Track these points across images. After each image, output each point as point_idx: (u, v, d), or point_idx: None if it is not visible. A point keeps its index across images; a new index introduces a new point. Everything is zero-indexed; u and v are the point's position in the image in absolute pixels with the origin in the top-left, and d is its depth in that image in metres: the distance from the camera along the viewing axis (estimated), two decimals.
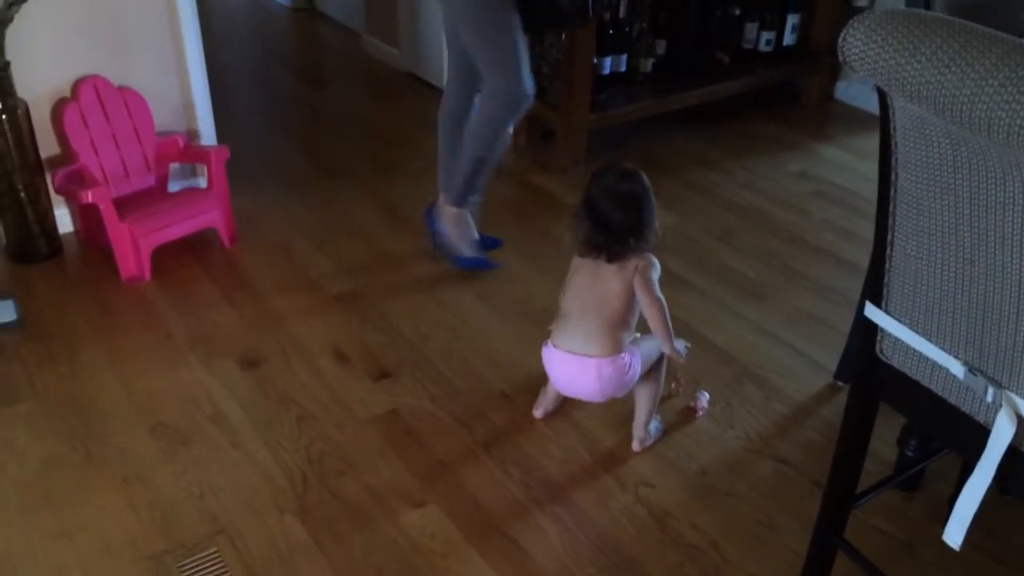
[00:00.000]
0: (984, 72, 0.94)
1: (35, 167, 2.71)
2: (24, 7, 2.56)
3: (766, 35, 3.91)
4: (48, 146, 2.79)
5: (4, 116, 2.57)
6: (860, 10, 3.52)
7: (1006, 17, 1.77)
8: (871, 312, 1.32)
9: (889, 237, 1.25)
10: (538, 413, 2.21)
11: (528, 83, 2.49)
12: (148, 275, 2.73)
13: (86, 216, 2.84)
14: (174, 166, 3.02)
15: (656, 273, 1.96)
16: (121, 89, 2.82)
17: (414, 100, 4.14)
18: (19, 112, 2.61)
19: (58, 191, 2.76)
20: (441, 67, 3.75)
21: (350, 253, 2.91)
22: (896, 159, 1.18)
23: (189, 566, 1.80)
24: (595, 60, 3.39)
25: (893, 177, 1.20)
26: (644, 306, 1.97)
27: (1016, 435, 1.13)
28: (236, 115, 3.89)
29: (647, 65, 3.66)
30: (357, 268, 2.83)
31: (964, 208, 1.09)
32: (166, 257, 2.80)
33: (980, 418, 1.19)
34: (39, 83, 2.73)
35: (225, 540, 1.86)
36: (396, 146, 3.67)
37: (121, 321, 2.56)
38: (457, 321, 2.58)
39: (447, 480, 2.03)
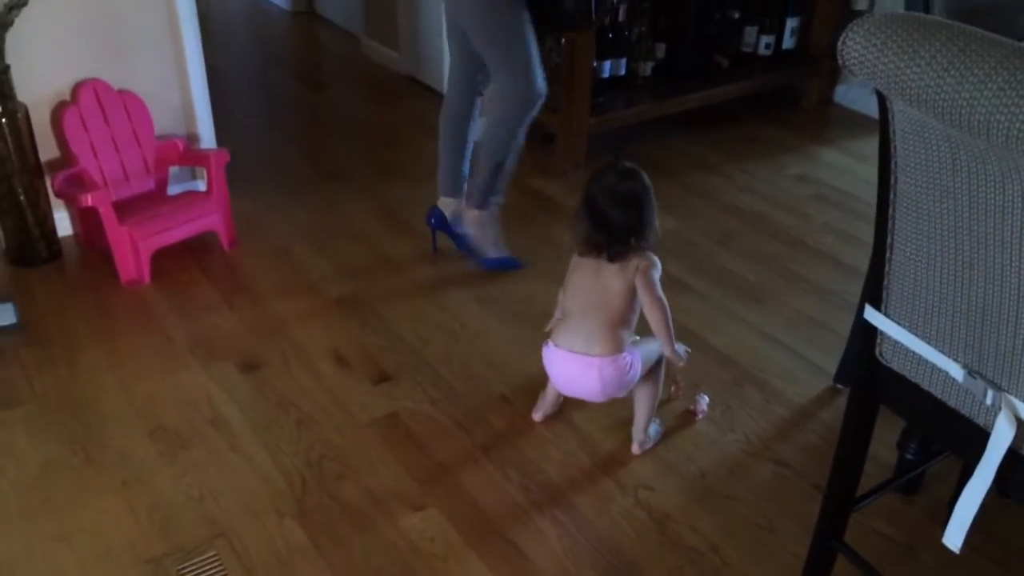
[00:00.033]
0: (983, 76, 0.94)
1: (35, 170, 2.71)
2: (24, 11, 2.56)
3: (765, 39, 3.92)
4: (48, 149, 2.79)
5: (4, 119, 2.57)
6: (859, 14, 3.52)
7: (1005, 21, 1.77)
8: (871, 315, 1.32)
9: (889, 240, 1.25)
10: (537, 416, 2.21)
11: (540, 81, 2.51)
12: (148, 278, 2.73)
13: (86, 219, 2.84)
14: (174, 169, 3.02)
15: (658, 272, 1.96)
16: (121, 92, 2.82)
17: (414, 103, 4.14)
18: (19, 115, 2.61)
19: (58, 194, 2.76)
20: (441, 70, 3.75)
21: (350, 256, 2.91)
22: (895, 162, 1.18)
23: (188, 569, 1.80)
24: (595, 64, 3.39)
25: (893, 180, 1.20)
26: (646, 306, 1.97)
27: (1016, 438, 1.13)
28: (236, 118, 3.89)
29: (646, 69, 3.66)
30: (357, 271, 2.83)
31: (963, 211, 1.09)
32: (166, 260, 2.80)
33: (980, 421, 1.19)
34: (39, 86, 2.73)
35: (224, 543, 1.86)
36: (396, 149, 3.67)
37: (120, 324, 2.56)
38: (457, 324, 2.58)
39: (447, 483, 2.03)
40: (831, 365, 2.38)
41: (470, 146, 2.78)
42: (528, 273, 2.81)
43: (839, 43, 1.10)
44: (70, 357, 2.41)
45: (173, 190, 3.01)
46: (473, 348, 2.48)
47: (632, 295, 1.96)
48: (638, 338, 2.04)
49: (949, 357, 1.20)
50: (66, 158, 2.79)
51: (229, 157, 2.91)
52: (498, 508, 1.97)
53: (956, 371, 1.19)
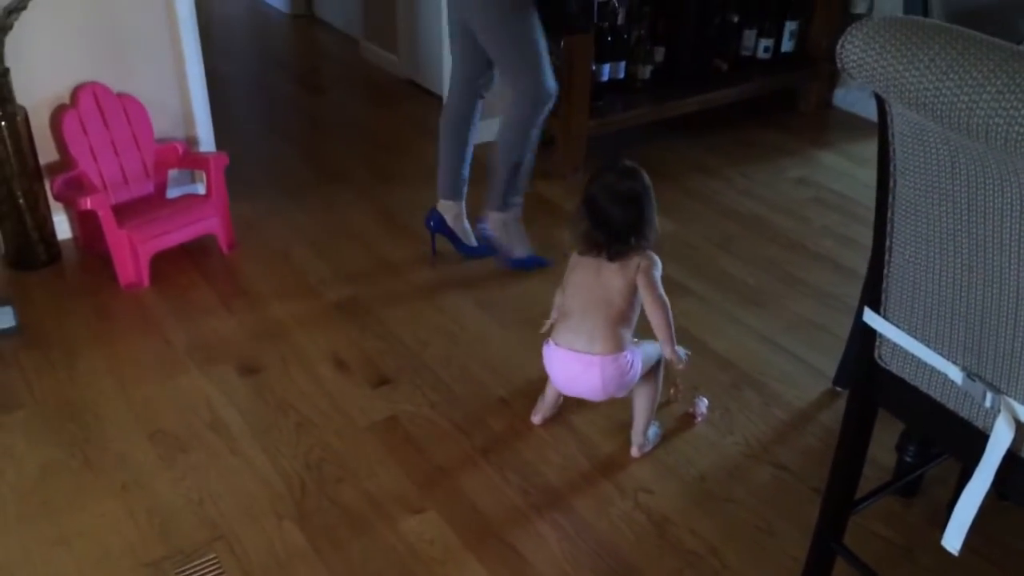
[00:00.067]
0: (982, 79, 0.94)
1: (34, 174, 2.71)
2: (24, 14, 2.56)
3: (764, 42, 3.92)
4: (47, 153, 2.79)
5: (3, 123, 2.57)
6: (858, 17, 3.54)
7: (1004, 24, 1.77)
8: (870, 318, 1.32)
9: (888, 243, 1.25)
10: (536, 419, 2.21)
11: (550, 81, 2.53)
12: (147, 282, 2.73)
13: (85, 223, 2.85)
14: (173, 172, 3.02)
15: (658, 271, 1.95)
16: (120, 96, 2.82)
17: (413, 106, 4.15)
18: (18, 119, 2.61)
19: (57, 198, 2.76)
20: (440, 73, 3.75)
21: (349, 259, 2.91)
22: (894, 165, 1.18)
23: (187, 572, 1.80)
24: (594, 67, 3.39)
25: (891, 183, 1.20)
26: (647, 306, 1.96)
27: (1015, 440, 1.13)
28: (235, 122, 3.89)
29: (646, 72, 3.67)
30: (356, 274, 2.83)
31: (962, 214, 1.10)
32: (165, 264, 2.80)
33: (979, 423, 1.19)
34: (38, 90, 2.73)
35: (224, 547, 1.86)
36: (395, 152, 3.68)
37: (120, 328, 2.56)
38: (456, 327, 2.58)
39: (446, 486, 2.03)
40: (830, 368, 2.38)
41: (470, 149, 2.79)
42: (527, 276, 2.81)
43: (838, 46, 1.11)
44: (69, 360, 2.40)
45: (172, 193, 3.01)
46: (472, 351, 2.48)
47: (633, 294, 1.96)
48: (637, 340, 2.04)
49: (948, 360, 1.21)
50: (65, 161, 2.79)
51: (228, 160, 2.91)
52: (497, 511, 1.97)
53: (955, 373, 1.20)
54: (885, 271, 1.27)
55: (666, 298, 1.96)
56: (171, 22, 2.91)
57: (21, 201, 2.69)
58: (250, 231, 3.03)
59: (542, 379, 2.18)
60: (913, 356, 1.26)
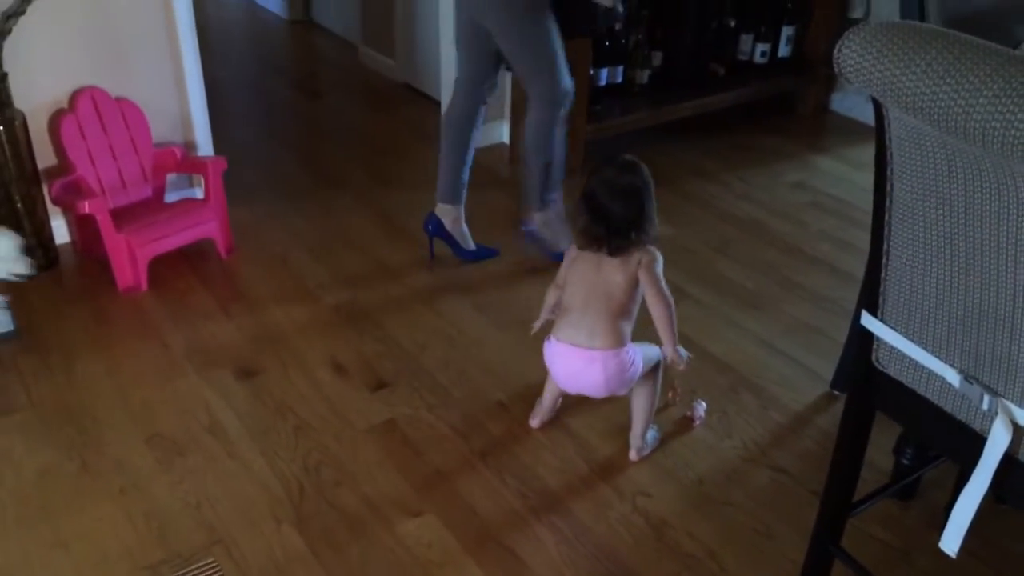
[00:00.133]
0: (979, 83, 0.95)
1: (32, 178, 2.71)
2: (22, 19, 2.57)
3: (761, 47, 3.94)
4: (45, 157, 2.79)
5: (2, 127, 2.57)
6: (855, 22, 3.54)
7: (1000, 29, 1.78)
8: (867, 321, 1.32)
9: (885, 247, 1.25)
10: (535, 422, 2.21)
11: (566, 80, 2.56)
12: (145, 286, 2.73)
13: (83, 227, 2.85)
14: (171, 177, 3.03)
15: (660, 266, 1.94)
16: (118, 100, 2.82)
17: (410, 111, 4.15)
18: (16, 123, 2.61)
19: (55, 202, 2.76)
20: (437, 78, 3.76)
21: (347, 263, 2.91)
22: (892, 170, 1.19)
23: None
24: (591, 71, 3.40)
25: (889, 187, 1.20)
26: (651, 302, 1.94)
27: (1012, 443, 1.14)
28: (233, 126, 3.89)
29: (643, 76, 3.68)
30: (354, 278, 2.83)
31: (959, 218, 1.10)
32: (163, 268, 2.80)
33: (976, 426, 1.20)
34: (37, 94, 2.73)
35: (222, 550, 1.86)
36: (393, 157, 3.68)
37: (118, 331, 2.56)
38: (454, 331, 2.58)
39: (444, 490, 2.03)
40: (828, 371, 2.39)
41: (471, 153, 2.79)
42: (525, 279, 2.81)
43: (835, 51, 1.11)
44: (67, 364, 2.40)
45: (170, 197, 3.01)
46: (470, 355, 2.48)
47: (634, 288, 1.94)
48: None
49: (945, 362, 1.21)
50: (63, 166, 2.80)
51: (226, 165, 2.91)
52: (496, 514, 1.97)
53: (952, 376, 1.20)
54: (882, 274, 1.27)
55: (670, 295, 1.95)
56: (170, 27, 2.91)
57: (19, 205, 2.69)
58: (248, 235, 3.03)
59: (540, 383, 2.18)
60: (910, 359, 1.27)
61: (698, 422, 2.24)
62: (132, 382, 2.35)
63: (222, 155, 3.01)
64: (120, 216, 2.73)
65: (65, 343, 2.48)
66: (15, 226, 2.71)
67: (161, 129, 2.97)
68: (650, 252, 1.94)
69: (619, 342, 1.95)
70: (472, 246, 2.88)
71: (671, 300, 1.95)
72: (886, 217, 1.23)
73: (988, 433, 1.16)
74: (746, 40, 3.92)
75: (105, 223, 2.63)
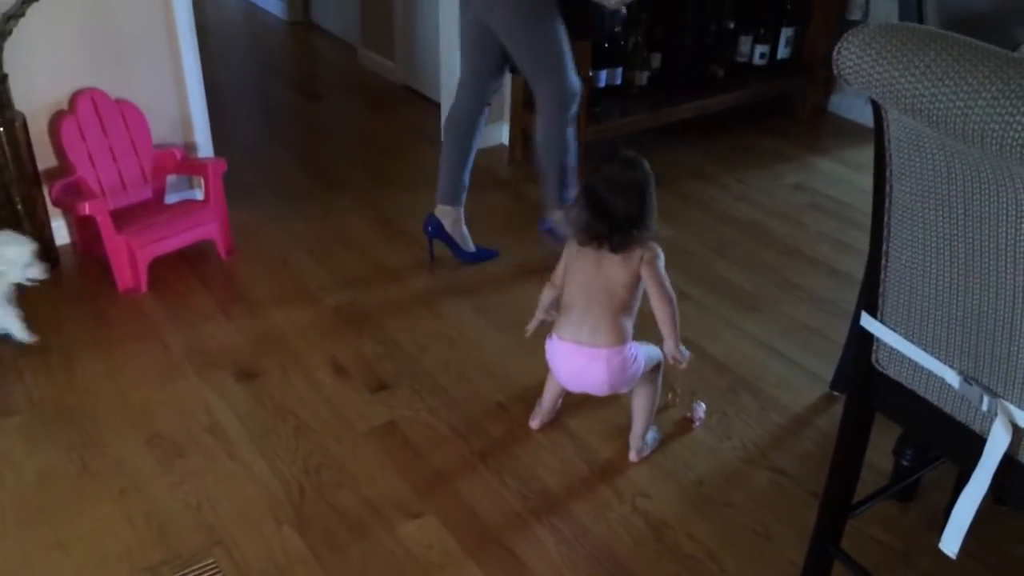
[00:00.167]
0: (977, 85, 0.95)
1: (32, 179, 2.71)
2: (22, 21, 2.57)
3: (760, 48, 3.94)
4: (45, 158, 2.79)
5: (2, 129, 2.58)
6: (854, 24, 3.55)
7: (999, 31, 1.79)
8: (867, 322, 1.33)
9: (884, 248, 1.26)
10: (534, 424, 2.21)
11: (573, 79, 2.58)
12: (145, 287, 2.73)
13: (83, 228, 2.85)
14: (171, 178, 3.03)
15: (662, 262, 1.93)
16: (119, 102, 2.83)
17: (409, 112, 4.15)
18: (17, 125, 2.62)
19: (55, 203, 2.77)
20: (436, 79, 3.76)
21: (347, 265, 2.91)
22: (891, 171, 1.19)
23: None
24: (591, 73, 3.40)
25: (888, 189, 1.21)
26: (654, 299, 1.93)
27: (1011, 444, 1.14)
28: (233, 128, 3.90)
29: (642, 78, 3.68)
30: (354, 280, 2.83)
31: (958, 219, 1.10)
32: (163, 269, 2.80)
33: (975, 427, 1.20)
34: (37, 96, 2.73)
35: (222, 551, 1.86)
36: (392, 158, 3.68)
37: (117, 333, 2.56)
38: (453, 332, 2.58)
39: (444, 491, 2.03)
40: (827, 372, 2.39)
41: (473, 155, 2.80)
42: (524, 280, 2.81)
43: (835, 53, 1.11)
44: (67, 365, 2.41)
45: (170, 199, 3.02)
46: (470, 356, 2.48)
47: (635, 285, 1.94)
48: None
49: (945, 363, 1.21)
50: (64, 167, 2.80)
51: (226, 166, 2.91)
52: (496, 516, 1.97)
53: (952, 377, 1.20)
54: (882, 276, 1.28)
55: (672, 292, 1.94)
56: (170, 28, 2.91)
57: (19, 207, 2.69)
58: (248, 237, 3.04)
59: (540, 384, 2.18)
60: (910, 360, 1.27)
61: (698, 423, 2.24)
62: (132, 383, 2.35)
63: (222, 156, 3.01)
64: (120, 217, 2.73)
65: (65, 344, 2.48)
66: (15, 228, 2.71)
67: (161, 130, 2.98)
68: (652, 248, 1.92)
69: (621, 339, 1.94)
70: (472, 247, 2.89)
71: (674, 296, 1.94)
72: (885, 218, 1.23)
73: (988, 434, 1.16)
74: (745, 42, 3.93)
75: (105, 224, 2.64)
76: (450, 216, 2.83)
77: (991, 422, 1.15)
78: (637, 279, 1.93)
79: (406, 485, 2.04)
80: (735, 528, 1.95)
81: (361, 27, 4.75)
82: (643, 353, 2.00)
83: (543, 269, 2.81)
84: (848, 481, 1.51)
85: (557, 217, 2.81)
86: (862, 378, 1.38)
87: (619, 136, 3.58)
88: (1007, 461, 1.15)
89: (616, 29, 3.44)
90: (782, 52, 3.99)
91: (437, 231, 2.84)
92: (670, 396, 2.29)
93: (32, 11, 2.57)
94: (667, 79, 3.75)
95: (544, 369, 2.13)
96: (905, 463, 1.95)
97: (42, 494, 2.00)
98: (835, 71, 1.12)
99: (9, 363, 2.40)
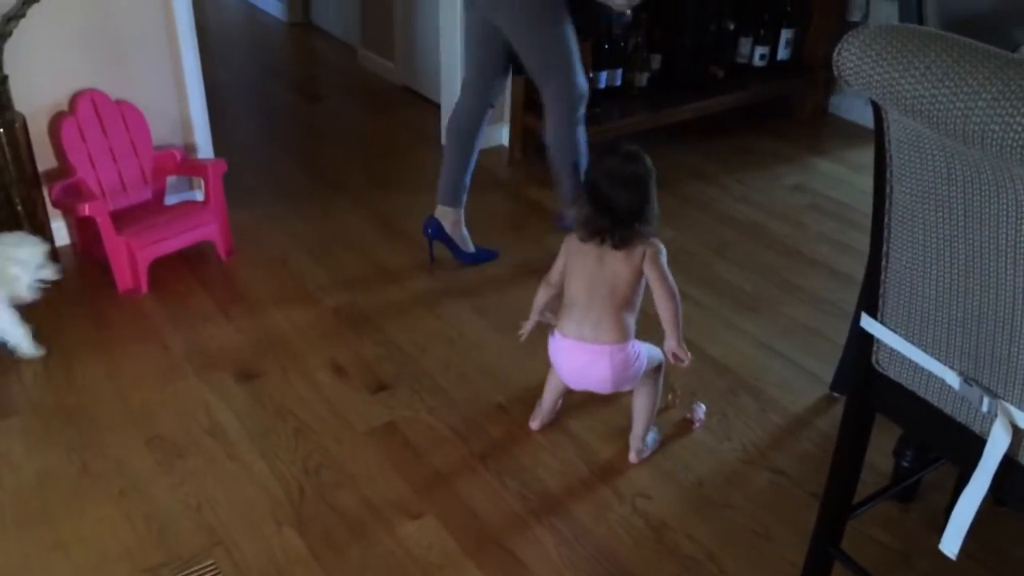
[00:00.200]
0: (977, 86, 0.95)
1: (32, 180, 2.71)
2: (22, 22, 2.57)
3: (760, 50, 3.94)
4: (45, 159, 2.79)
5: (2, 130, 2.58)
6: (854, 25, 3.55)
7: (999, 32, 1.79)
8: (867, 323, 1.33)
9: (884, 249, 1.26)
10: (535, 425, 2.21)
11: (581, 79, 2.58)
12: (145, 288, 2.73)
13: (83, 229, 2.85)
14: (171, 179, 3.03)
15: (665, 258, 1.92)
16: (119, 103, 2.83)
17: (409, 113, 4.15)
18: (17, 126, 2.62)
19: (55, 204, 2.77)
20: (436, 81, 3.76)
21: (347, 266, 2.91)
22: (891, 172, 1.19)
23: None
24: (591, 74, 3.41)
25: (888, 190, 1.21)
26: (657, 296, 1.92)
27: (1011, 445, 1.14)
28: (233, 129, 3.90)
29: (642, 79, 3.68)
30: (354, 281, 2.83)
31: (958, 220, 1.10)
32: (163, 270, 2.80)
33: (976, 428, 1.20)
34: (37, 97, 2.73)
35: (222, 552, 1.86)
36: (392, 159, 3.68)
37: (117, 334, 2.56)
38: (453, 333, 2.58)
39: (444, 492, 2.03)
40: (827, 373, 2.39)
41: (475, 157, 2.79)
42: (524, 281, 2.81)
43: (835, 54, 1.11)
44: (67, 366, 2.40)
45: (170, 200, 3.02)
46: (470, 357, 2.48)
47: (638, 280, 1.93)
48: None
49: (945, 364, 1.21)
50: (64, 168, 2.80)
51: (226, 167, 2.91)
52: (495, 516, 1.97)
53: (952, 378, 1.20)
54: (882, 277, 1.28)
55: (676, 288, 1.93)
56: (170, 29, 2.91)
57: (19, 208, 2.69)
58: (248, 238, 3.04)
59: (540, 385, 2.18)
60: (910, 361, 1.27)
61: (698, 424, 2.24)
62: (132, 384, 2.35)
63: (222, 157, 3.01)
64: (120, 218, 2.73)
65: (65, 345, 2.48)
66: (15, 229, 2.71)
67: (161, 131, 2.98)
68: (654, 244, 1.92)
69: (624, 336, 1.94)
70: (472, 249, 2.89)
71: (677, 293, 1.94)
72: (885, 219, 1.23)
73: (988, 435, 1.16)
74: (745, 43, 3.93)
75: (105, 225, 2.64)
76: (450, 217, 2.83)
77: (991, 423, 1.15)
78: (639, 275, 1.92)
79: (406, 486, 2.04)
80: (735, 529, 1.95)
81: (361, 28, 4.75)
82: (645, 350, 2.00)
83: (543, 270, 2.80)
84: (848, 482, 1.51)
85: (572, 214, 2.82)
86: (862, 379, 1.38)
87: (619, 137, 3.58)
88: (1007, 462, 1.15)
89: (616, 30, 3.45)
90: (782, 53, 3.99)
91: (437, 232, 2.84)
92: (670, 397, 2.29)
93: (32, 12, 2.57)
94: (667, 80, 3.75)
95: (543, 370, 2.13)
96: (905, 464, 1.95)
97: (42, 495, 2.00)
98: (835, 72, 1.12)
99: (9, 364, 2.40)
